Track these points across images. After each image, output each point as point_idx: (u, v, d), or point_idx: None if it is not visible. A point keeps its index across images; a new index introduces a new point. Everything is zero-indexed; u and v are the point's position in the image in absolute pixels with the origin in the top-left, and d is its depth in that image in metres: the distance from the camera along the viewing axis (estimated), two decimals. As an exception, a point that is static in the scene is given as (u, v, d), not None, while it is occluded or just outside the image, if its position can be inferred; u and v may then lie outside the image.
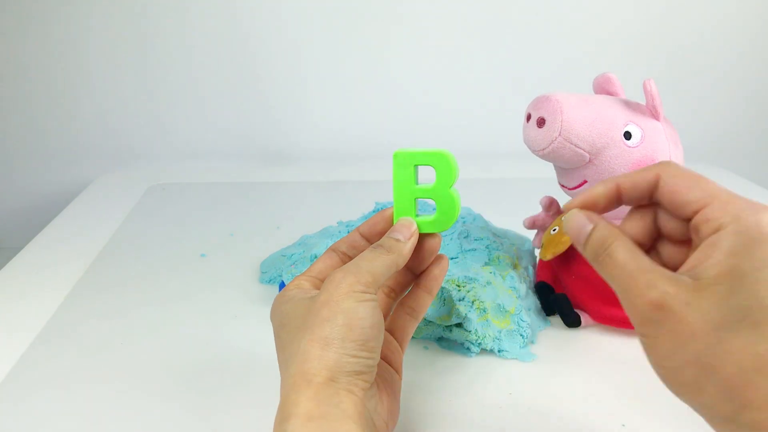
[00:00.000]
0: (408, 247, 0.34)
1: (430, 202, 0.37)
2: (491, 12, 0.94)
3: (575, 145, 0.40)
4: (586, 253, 0.28)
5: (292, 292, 0.33)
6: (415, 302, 0.37)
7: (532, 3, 0.94)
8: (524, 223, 0.51)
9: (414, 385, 0.43)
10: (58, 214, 0.76)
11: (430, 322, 0.46)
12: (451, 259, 0.50)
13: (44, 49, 0.92)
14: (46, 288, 0.57)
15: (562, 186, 0.46)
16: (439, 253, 0.37)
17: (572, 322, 0.48)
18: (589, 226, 0.28)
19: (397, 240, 0.34)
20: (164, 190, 0.85)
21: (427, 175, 0.36)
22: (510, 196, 0.80)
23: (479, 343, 0.45)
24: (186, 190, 0.85)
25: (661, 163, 0.27)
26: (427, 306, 0.38)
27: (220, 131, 1.00)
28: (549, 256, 0.43)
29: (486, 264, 0.49)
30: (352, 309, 0.30)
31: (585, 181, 0.43)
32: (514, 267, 0.50)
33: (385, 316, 0.38)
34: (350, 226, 0.57)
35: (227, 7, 0.91)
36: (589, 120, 0.40)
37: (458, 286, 0.46)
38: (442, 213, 0.35)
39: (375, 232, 0.36)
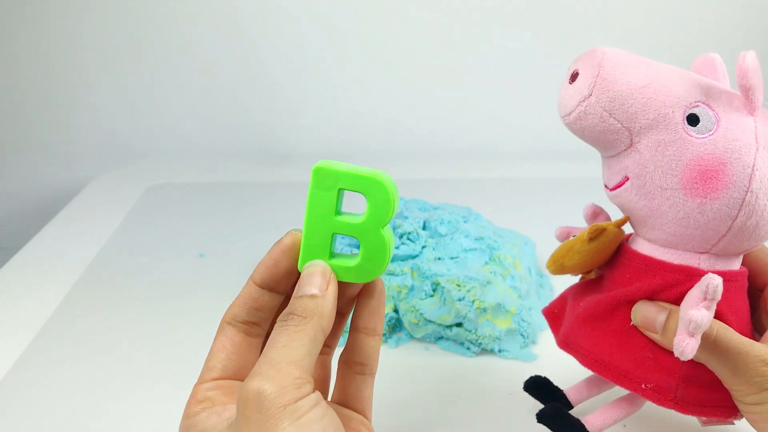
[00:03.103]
0: (329, 302, 0.25)
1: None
2: (491, 10, 0.94)
3: (609, 113, 0.28)
4: (667, 342, 0.29)
5: (199, 418, 0.25)
6: (360, 354, 0.28)
7: (533, 1, 0.94)
8: (556, 234, 0.37)
9: (414, 386, 0.43)
10: (57, 214, 0.76)
11: (430, 321, 0.46)
12: (451, 258, 0.50)
13: (43, 49, 0.91)
14: (45, 287, 0.56)
15: (605, 186, 0.33)
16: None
17: None
18: (663, 314, 0.29)
19: (312, 296, 0.25)
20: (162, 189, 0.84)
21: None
22: (510, 196, 0.80)
23: (479, 343, 0.45)
24: (185, 190, 0.85)
25: None
26: (377, 352, 0.28)
27: (219, 131, 1.00)
28: (553, 268, 0.33)
29: (486, 263, 0.49)
30: None
31: (626, 179, 0.30)
32: (515, 267, 0.50)
33: (326, 382, 0.30)
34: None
35: (227, 8, 0.91)
36: (639, 83, 0.28)
37: (458, 285, 0.46)
38: (367, 259, 0.26)
39: (277, 276, 0.27)
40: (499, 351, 0.46)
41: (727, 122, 0.28)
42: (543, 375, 0.39)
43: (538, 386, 0.39)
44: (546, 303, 0.52)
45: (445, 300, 0.45)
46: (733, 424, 0.32)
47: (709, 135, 0.28)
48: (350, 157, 0.97)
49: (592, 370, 0.33)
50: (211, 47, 0.94)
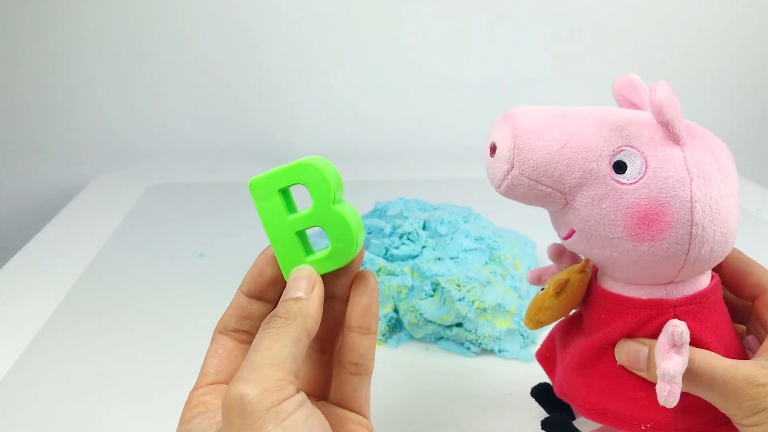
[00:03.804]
0: (314, 303, 0.25)
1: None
2: (490, 9, 0.94)
3: (536, 181, 0.29)
4: (652, 377, 0.29)
5: (192, 424, 0.25)
6: (354, 354, 0.27)
7: (533, 1, 0.94)
8: (528, 279, 0.37)
9: (414, 386, 0.43)
10: (57, 214, 0.76)
11: (430, 322, 0.46)
12: (451, 258, 0.50)
13: (43, 49, 0.91)
14: (44, 288, 0.56)
15: (558, 235, 0.33)
16: (362, 269, 0.28)
17: None
18: (645, 349, 0.29)
19: (297, 299, 0.25)
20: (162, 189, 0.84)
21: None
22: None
23: (479, 343, 0.45)
24: (185, 190, 0.85)
25: None
26: (372, 351, 0.28)
27: (219, 131, 1.00)
28: (531, 326, 0.33)
29: (486, 264, 0.49)
30: None
31: (573, 231, 0.30)
32: (515, 267, 0.50)
33: (325, 384, 0.29)
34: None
35: (227, 8, 0.91)
36: (556, 145, 0.28)
37: (458, 285, 0.46)
38: (335, 239, 0.26)
39: (262, 285, 0.27)
40: (499, 351, 0.46)
41: (654, 160, 0.28)
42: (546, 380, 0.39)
43: (545, 393, 0.38)
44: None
45: (445, 300, 0.45)
46: None
47: (640, 179, 0.28)
48: (350, 157, 0.98)
49: (592, 419, 0.32)
50: (211, 47, 0.94)
